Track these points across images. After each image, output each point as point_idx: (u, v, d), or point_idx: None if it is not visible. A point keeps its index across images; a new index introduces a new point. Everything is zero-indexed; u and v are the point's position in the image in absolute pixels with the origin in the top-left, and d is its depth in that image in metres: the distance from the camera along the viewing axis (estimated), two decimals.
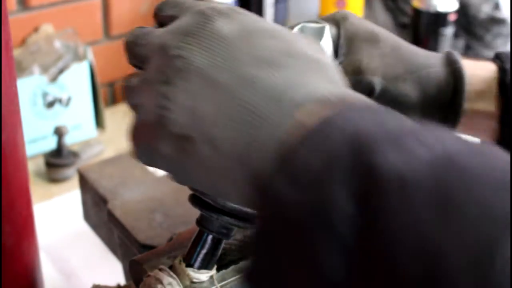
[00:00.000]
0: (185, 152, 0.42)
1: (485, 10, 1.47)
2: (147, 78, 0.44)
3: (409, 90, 0.58)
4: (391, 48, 0.59)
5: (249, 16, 0.45)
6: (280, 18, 1.57)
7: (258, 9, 1.53)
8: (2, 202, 0.65)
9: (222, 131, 0.40)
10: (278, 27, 0.45)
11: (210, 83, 0.41)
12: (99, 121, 1.32)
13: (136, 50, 0.46)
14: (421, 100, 0.58)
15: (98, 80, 1.31)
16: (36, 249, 0.74)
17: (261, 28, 0.44)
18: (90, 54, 1.27)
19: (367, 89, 0.57)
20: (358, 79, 0.58)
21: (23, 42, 1.30)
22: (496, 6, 1.48)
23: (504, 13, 1.48)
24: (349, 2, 1.46)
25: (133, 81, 0.45)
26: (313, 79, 0.40)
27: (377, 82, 0.57)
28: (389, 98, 0.58)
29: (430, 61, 0.59)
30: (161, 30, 0.45)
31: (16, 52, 1.22)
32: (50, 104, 1.23)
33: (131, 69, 0.48)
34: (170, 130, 0.41)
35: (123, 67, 1.63)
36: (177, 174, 0.44)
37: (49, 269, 0.96)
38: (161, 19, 0.48)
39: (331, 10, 1.47)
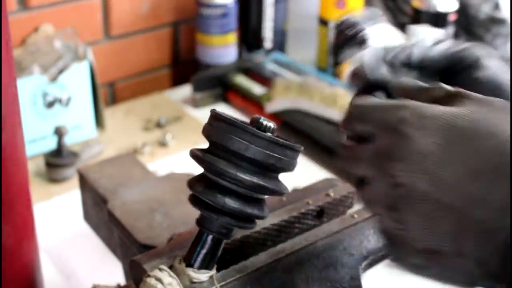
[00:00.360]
0: (433, 260, 0.46)
1: (485, 10, 1.47)
2: (373, 199, 0.48)
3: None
4: None
5: (437, 117, 0.45)
6: (280, 18, 1.57)
7: (258, 9, 1.54)
8: (2, 202, 0.65)
9: (469, 247, 0.43)
10: (469, 115, 0.45)
11: (439, 206, 0.44)
12: (99, 121, 1.32)
13: (351, 168, 0.50)
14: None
15: (98, 80, 1.31)
16: (36, 249, 0.74)
17: (460, 130, 0.44)
18: (90, 54, 1.27)
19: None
20: None
21: (23, 42, 1.30)
22: (496, 6, 1.48)
23: (504, 13, 1.48)
24: (349, 2, 1.46)
25: (363, 192, 0.49)
26: None
27: None
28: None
29: None
30: (368, 149, 0.48)
31: (16, 52, 1.22)
32: (50, 104, 1.23)
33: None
34: (412, 246, 0.46)
35: (123, 67, 1.63)
36: (422, 274, 0.49)
37: (49, 269, 0.96)
38: (353, 132, 0.51)
39: (331, 10, 1.47)
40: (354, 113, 0.50)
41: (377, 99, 0.51)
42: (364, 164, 0.48)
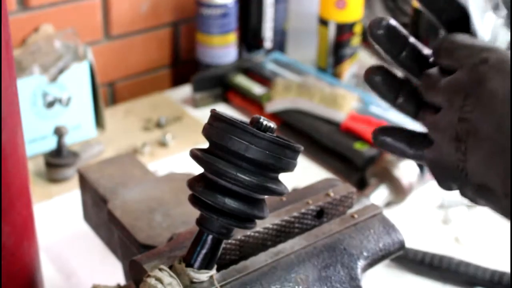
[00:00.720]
0: (483, 196, 0.48)
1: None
2: (440, 125, 0.51)
3: None
4: None
5: None
6: (280, 18, 1.57)
7: (258, 9, 1.54)
8: (2, 202, 0.65)
9: None
10: None
11: (499, 147, 0.45)
12: (99, 121, 1.32)
13: (429, 94, 0.53)
14: None
15: (98, 80, 1.31)
16: (36, 249, 0.74)
17: None
18: (90, 54, 1.27)
19: None
20: None
21: (23, 42, 1.30)
22: (496, 6, 1.48)
23: (504, 13, 1.48)
24: (349, 2, 1.46)
25: (430, 117, 0.52)
26: None
27: None
28: None
29: None
30: (446, 81, 0.51)
31: (16, 52, 1.22)
32: (50, 104, 1.23)
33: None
34: (469, 180, 0.48)
35: (123, 67, 1.63)
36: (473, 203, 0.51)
37: (49, 269, 0.96)
38: (439, 63, 0.53)
39: (331, 10, 1.47)
40: (443, 46, 0.53)
41: (468, 37, 0.52)
42: (439, 93, 0.51)
